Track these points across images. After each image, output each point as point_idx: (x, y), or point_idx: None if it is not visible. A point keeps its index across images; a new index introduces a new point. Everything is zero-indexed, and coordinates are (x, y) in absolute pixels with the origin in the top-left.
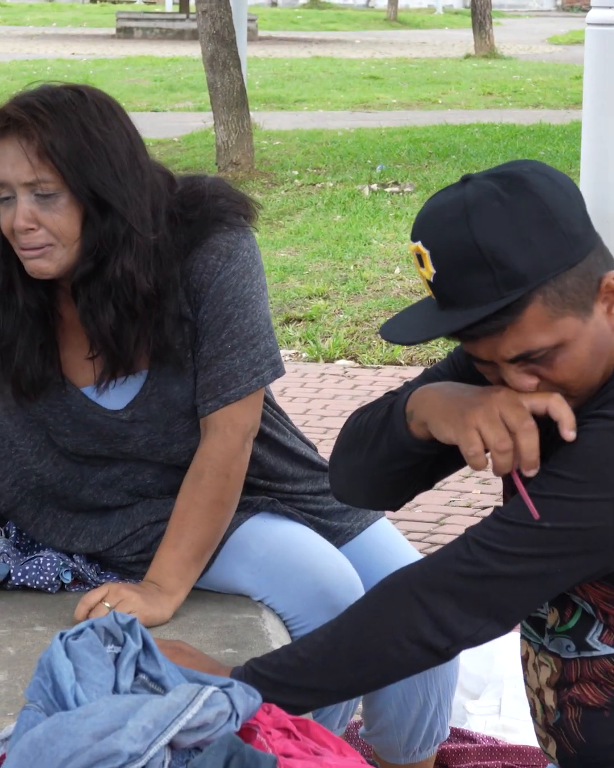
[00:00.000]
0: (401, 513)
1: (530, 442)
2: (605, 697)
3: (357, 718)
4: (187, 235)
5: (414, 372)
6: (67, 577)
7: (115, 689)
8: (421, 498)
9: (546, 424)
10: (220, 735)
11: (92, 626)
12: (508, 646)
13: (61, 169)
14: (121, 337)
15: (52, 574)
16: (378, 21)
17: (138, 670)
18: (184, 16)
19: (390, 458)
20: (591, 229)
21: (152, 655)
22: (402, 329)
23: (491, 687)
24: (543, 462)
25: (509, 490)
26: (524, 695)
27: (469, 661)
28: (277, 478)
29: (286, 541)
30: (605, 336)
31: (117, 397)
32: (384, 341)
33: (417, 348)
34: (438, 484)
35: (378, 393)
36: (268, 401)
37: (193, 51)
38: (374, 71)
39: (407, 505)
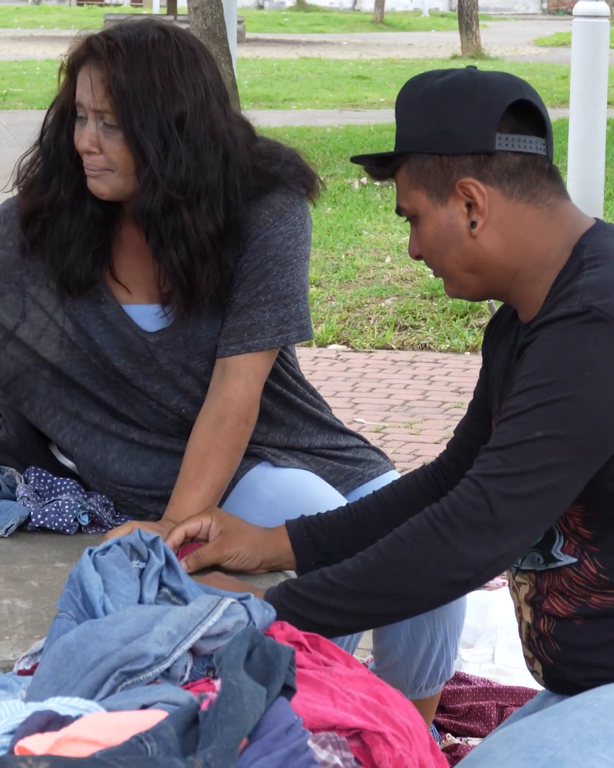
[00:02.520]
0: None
1: None
2: (571, 607)
3: (368, 657)
4: (254, 188)
5: (405, 356)
6: (85, 519)
7: (140, 601)
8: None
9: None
10: None
11: (119, 543)
12: (501, 598)
13: (119, 106)
14: (192, 275)
15: (70, 516)
16: (365, 23)
17: (161, 584)
18: (171, 17)
19: None
20: (483, 141)
21: (174, 570)
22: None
23: (485, 637)
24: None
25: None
26: (516, 643)
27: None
28: (287, 431)
29: (294, 485)
30: (454, 230)
31: (150, 321)
32: (375, 327)
33: (409, 333)
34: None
35: (370, 375)
36: (289, 362)
37: None
38: (361, 71)
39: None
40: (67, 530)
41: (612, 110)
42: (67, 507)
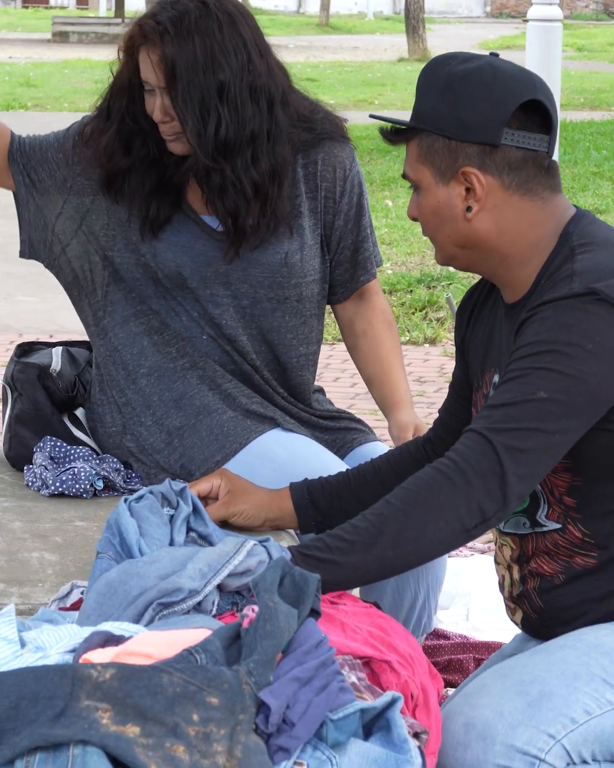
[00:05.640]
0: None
1: None
2: (557, 566)
3: None
4: (306, 130)
5: None
6: (99, 484)
7: (171, 543)
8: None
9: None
10: None
11: (151, 492)
12: (473, 565)
13: (169, 84)
14: (237, 216)
15: (86, 482)
16: (311, 26)
17: (189, 529)
18: (119, 20)
19: None
20: (490, 134)
21: (200, 516)
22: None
23: (459, 600)
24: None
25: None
26: (489, 606)
27: None
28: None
29: (304, 449)
30: (451, 210)
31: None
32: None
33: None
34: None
35: (335, 366)
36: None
37: None
38: (310, 74)
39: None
40: (84, 495)
41: (564, 113)
42: (82, 473)
